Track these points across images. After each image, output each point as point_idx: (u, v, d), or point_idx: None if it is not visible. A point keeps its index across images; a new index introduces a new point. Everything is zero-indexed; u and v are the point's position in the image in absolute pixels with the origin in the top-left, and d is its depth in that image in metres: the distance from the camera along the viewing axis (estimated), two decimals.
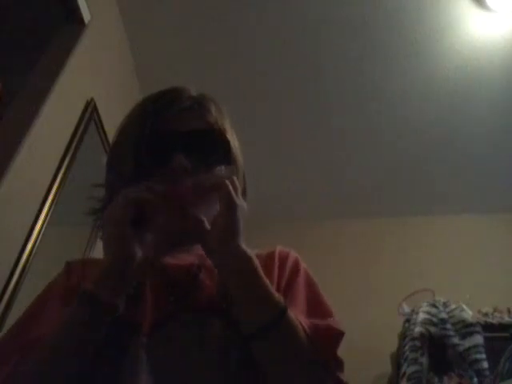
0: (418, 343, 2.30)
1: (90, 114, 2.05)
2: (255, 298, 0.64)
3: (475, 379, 2.14)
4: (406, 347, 2.35)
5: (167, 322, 0.67)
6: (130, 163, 0.75)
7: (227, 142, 0.77)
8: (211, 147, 0.74)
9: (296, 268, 0.80)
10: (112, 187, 0.79)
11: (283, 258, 0.80)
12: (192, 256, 0.77)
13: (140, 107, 0.83)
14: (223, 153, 0.75)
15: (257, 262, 0.65)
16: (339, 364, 0.69)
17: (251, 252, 0.65)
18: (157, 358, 0.64)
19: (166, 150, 0.71)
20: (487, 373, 2.12)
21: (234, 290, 0.65)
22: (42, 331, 0.66)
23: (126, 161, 0.76)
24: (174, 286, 0.72)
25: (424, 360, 2.25)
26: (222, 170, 0.68)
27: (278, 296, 0.65)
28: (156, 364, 0.64)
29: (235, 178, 0.68)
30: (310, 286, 0.78)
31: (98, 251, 1.98)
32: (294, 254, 0.82)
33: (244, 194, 0.76)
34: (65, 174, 1.83)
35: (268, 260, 0.78)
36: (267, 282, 0.66)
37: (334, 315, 0.73)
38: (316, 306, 0.74)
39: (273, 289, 0.66)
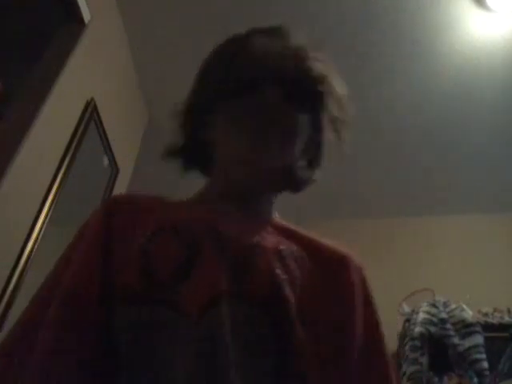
0: (418, 343, 2.30)
1: (90, 113, 2.05)
2: None
3: (475, 379, 2.13)
4: (406, 347, 2.34)
5: (217, 309, 0.57)
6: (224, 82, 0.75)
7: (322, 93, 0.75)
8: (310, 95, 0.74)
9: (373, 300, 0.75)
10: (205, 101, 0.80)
11: (363, 280, 0.76)
12: (256, 224, 0.75)
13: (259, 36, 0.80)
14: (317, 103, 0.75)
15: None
16: None
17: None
18: (201, 351, 0.55)
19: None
20: (487, 373, 2.12)
21: None
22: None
23: (220, 79, 0.77)
24: (231, 260, 0.62)
25: (424, 360, 2.25)
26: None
27: None
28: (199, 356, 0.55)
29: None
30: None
31: None
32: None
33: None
34: (65, 173, 1.83)
35: (339, 267, 0.74)
36: None
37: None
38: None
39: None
